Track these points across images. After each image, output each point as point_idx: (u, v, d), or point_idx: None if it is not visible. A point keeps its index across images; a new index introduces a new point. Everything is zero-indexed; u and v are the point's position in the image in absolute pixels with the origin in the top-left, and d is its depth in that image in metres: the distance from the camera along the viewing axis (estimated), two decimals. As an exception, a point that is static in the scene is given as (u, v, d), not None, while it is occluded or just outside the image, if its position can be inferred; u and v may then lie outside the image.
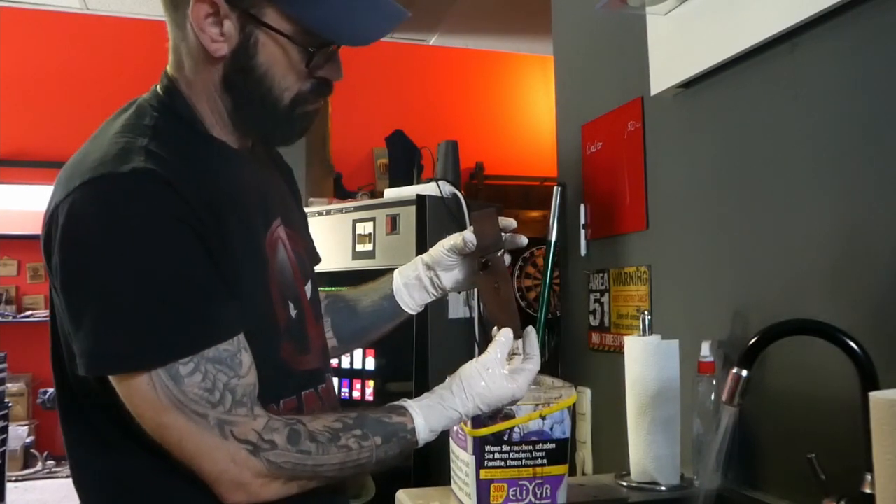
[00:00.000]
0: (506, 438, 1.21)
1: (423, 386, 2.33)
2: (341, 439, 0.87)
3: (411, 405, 0.93)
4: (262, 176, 1.00)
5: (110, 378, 0.82)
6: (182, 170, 0.84)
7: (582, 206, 1.98)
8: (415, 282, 1.16)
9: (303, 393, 0.97)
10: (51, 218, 0.83)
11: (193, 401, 0.80)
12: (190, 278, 0.82)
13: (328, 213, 2.70)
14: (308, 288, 1.03)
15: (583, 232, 1.98)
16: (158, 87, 0.96)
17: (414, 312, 1.18)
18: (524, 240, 1.10)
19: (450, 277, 1.15)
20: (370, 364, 2.51)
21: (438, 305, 2.43)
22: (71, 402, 0.91)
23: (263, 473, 0.83)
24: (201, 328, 0.81)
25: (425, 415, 0.92)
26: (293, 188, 1.13)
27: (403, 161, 3.19)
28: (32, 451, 5.00)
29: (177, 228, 0.81)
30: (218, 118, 0.93)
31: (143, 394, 0.80)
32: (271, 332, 0.92)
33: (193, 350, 0.80)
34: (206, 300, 0.83)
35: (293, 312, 0.96)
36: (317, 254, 1.15)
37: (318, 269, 1.13)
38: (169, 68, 0.95)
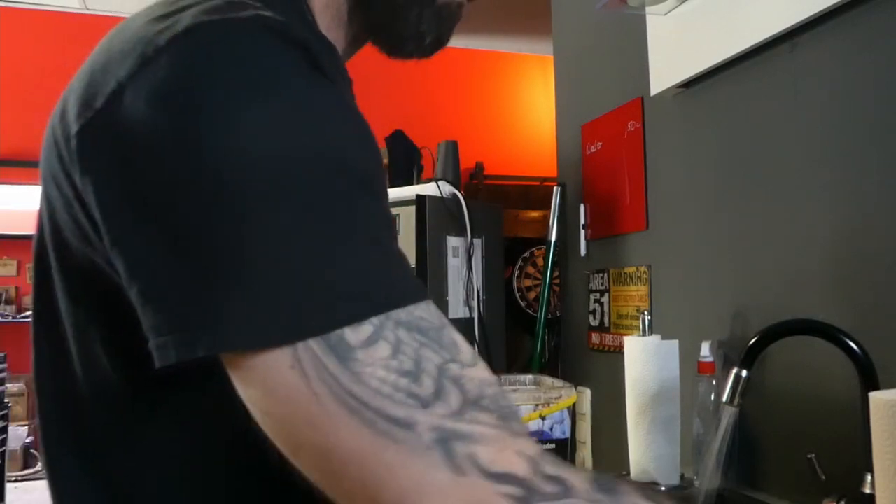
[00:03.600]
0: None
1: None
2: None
3: None
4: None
5: (228, 365, 0.44)
6: (320, 46, 0.51)
7: (582, 206, 1.98)
8: None
9: None
10: (92, 118, 0.47)
11: (381, 394, 0.41)
12: (367, 197, 0.47)
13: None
14: None
15: (583, 232, 1.98)
16: None
17: None
18: None
19: None
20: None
21: (438, 305, 2.43)
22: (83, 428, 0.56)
23: None
24: (388, 277, 0.46)
25: None
26: None
27: (403, 161, 3.19)
28: (32, 451, 5.00)
29: (344, 104, 0.50)
30: (334, 13, 0.63)
31: (282, 390, 0.42)
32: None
33: (375, 309, 0.43)
34: (389, 231, 0.49)
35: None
36: None
37: None
38: None
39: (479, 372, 0.45)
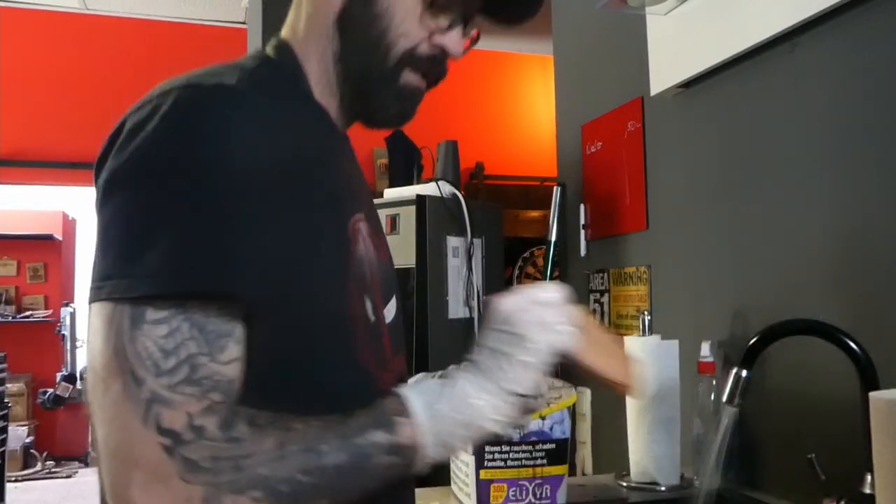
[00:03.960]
0: (505, 438, 1.21)
1: (423, 386, 2.33)
2: (296, 424, 0.63)
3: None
4: (352, 162, 0.87)
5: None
6: (274, 110, 0.72)
7: (582, 206, 1.98)
8: None
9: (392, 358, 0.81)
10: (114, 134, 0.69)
11: (138, 357, 0.60)
12: (239, 223, 0.64)
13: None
14: (391, 305, 0.85)
15: (583, 232, 1.98)
16: (266, 47, 0.84)
17: None
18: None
19: None
20: (370, 364, 2.51)
21: (438, 305, 2.43)
22: None
23: (170, 484, 0.58)
24: (202, 266, 0.62)
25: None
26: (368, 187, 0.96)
27: (403, 161, 3.19)
28: (32, 451, 5.00)
29: (251, 162, 0.66)
30: (325, 81, 0.82)
31: (101, 323, 0.62)
32: (346, 322, 0.74)
33: (175, 285, 0.61)
34: (240, 255, 0.64)
35: (371, 316, 0.77)
36: (394, 272, 0.92)
37: None
38: (283, 31, 0.85)
39: (222, 368, 0.63)
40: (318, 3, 0.81)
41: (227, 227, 0.64)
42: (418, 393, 0.66)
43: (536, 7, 0.84)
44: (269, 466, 0.60)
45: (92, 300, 0.64)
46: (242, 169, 0.65)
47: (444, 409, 0.65)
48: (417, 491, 1.46)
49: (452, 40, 0.81)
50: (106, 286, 0.62)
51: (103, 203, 0.65)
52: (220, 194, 0.64)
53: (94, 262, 0.65)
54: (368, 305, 0.77)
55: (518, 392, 0.67)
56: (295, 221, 0.69)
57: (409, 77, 0.81)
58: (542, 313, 0.70)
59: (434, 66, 0.83)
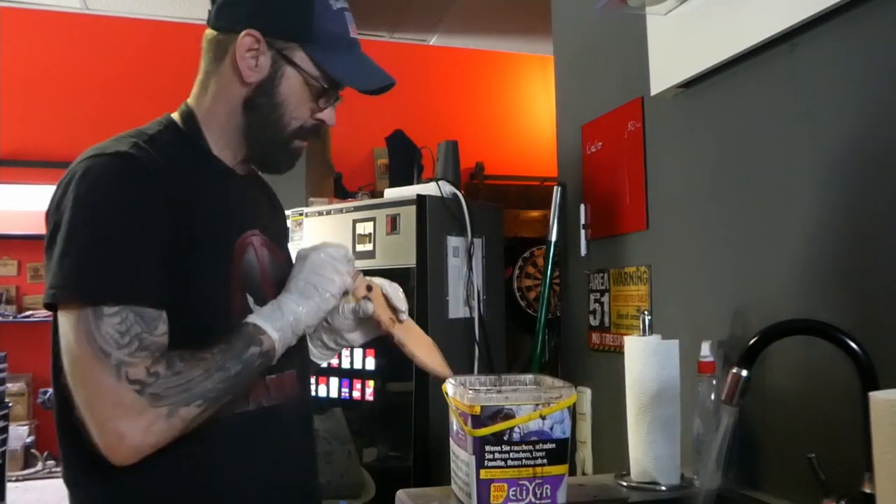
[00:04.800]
0: (506, 438, 1.21)
1: (423, 386, 2.33)
2: (206, 355, 0.99)
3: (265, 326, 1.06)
4: (250, 193, 1.20)
5: (59, 315, 0.96)
6: (161, 164, 1.03)
7: (582, 206, 1.98)
8: (318, 342, 1.30)
9: (266, 378, 1.10)
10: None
11: (104, 339, 0.92)
12: (137, 245, 0.98)
13: (328, 213, 2.71)
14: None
15: (583, 232, 1.98)
16: (174, 113, 1.15)
17: (319, 363, 1.33)
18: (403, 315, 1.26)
19: (353, 336, 1.29)
20: (370, 364, 2.51)
21: (438, 305, 2.43)
22: (65, 418, 1.01)
23: (146, 414, 0.92)
24: (137, 286, 0.96)
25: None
26: (278, 209, 1.32)
27: (403, 161, 3.19)
28: (33, 451, 5.00)
29: (139, 204, 0.99)
30: (224, 142, 1.13)
31: (74, 326, 0.93)
32: (221, 311, 1.06)
33: (122, 299, 0.94)
34: (145, 267, 0.98)
35: (252, 305, 1.10)
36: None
37: None
38: (189, 100, 1.15)
39: (159, 338, 0.97)
40: (225, 89, 1.11)
41: (127, 252, 0.97)
42: (264, 318, 1.05)
43: (387, 88, 1.15)
44: (202, 385, 0.96)
45: (58, 303, 0.95)
46: (130, 210, 0.98)
47: (282, 323, 1.05)
48: (418, 490, 1.47)
49: (328, 115, 1.15)
50: (67, 293, 0.94)
51: (52, 237, 0.98)
52: (119, 230, 0.97)
53: (48, 271, 0.96)
54: (250, 298, 1.09)
55: (320, 305, 1.10)
56: (180, 240, 1.00)
57: (296, 143, 1.15)
58: (336, 264, 1.12)
59: (314, 133, 1.16)
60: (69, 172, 1.01)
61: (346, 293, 1.16)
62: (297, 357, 1.17)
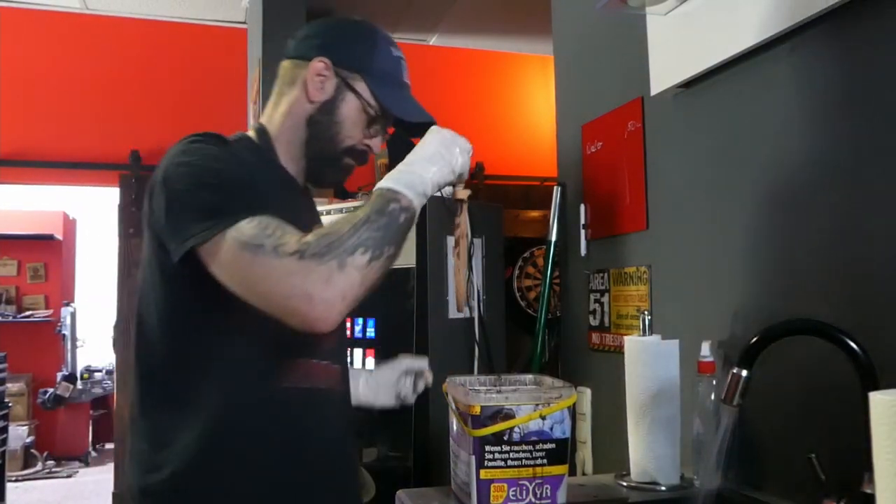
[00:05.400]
0: (506, 438, 1.21)
1: (423, 386, 2.33)
2: (359, 219, 1.07)
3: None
4: (304, 201, 1.39)
5: (202, 255, 1.07)
6: (241, 157, 1.20)
7: (582, 206, 1.98)
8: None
9: (314, 361, 1.23)
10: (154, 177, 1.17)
11: (252, 236, 1.03)
12: (247, 183, 1.13)
13: (328, 213, 2.70)
14: None
15: (583, 232, 1.98)
16: (250, 129, 1.33)
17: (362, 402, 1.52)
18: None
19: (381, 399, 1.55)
20: (370, 364, 2.51)
21: (438, 305, 2.43)
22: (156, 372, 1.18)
23: (318, 269, 1.01)
24: (259, 201, 1.09)
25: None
26: (318, 220, 1.45)
27: (403, 161, 3.18)
28: (32, 451, 5.01)
29: (233, 159, 1.16)
30: (289, 154, 1.31)
31: (224, 251, 1.04)
32: None
33: (254, 211, 1.06)
34: (254, 194, 1.11)
35: None
36: None
37: None
38: (262, 119, 1.34)
39: (292, 230, 1.06)
40: (293, 106, 1.30)
41: (242, 186, 1.13)
42: (394, 181, 1.12)
43: (428, 125, 1.26)
44: (355, 236, 1.04)
45: (205, 241, 1.05)
46: (232, 161, 1.16)
47: (411, 179, 1.13)
48: (418, 490, 1.47)
49: (375, 143, 1.34)
50: (212, 229, 1.05)
51: (170, 203, 1.11)
52: (229, 176, 1.13)
53: (180, 227, 1.08)
54: None
55: (445, 172, 1.19)
56: (271, 205, 1.10)
57: (347, 161, 1.32)
58: (463, 144, 1.22)
59: (362, 157, 1.34)
60: (169, 152, 1.16)
61: (458, 179, 1.26)
62: (341, 358, 1.33)
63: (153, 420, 1.17)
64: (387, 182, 1.12)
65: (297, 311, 1.01)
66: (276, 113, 1.31)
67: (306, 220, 1.28)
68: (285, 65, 1.32)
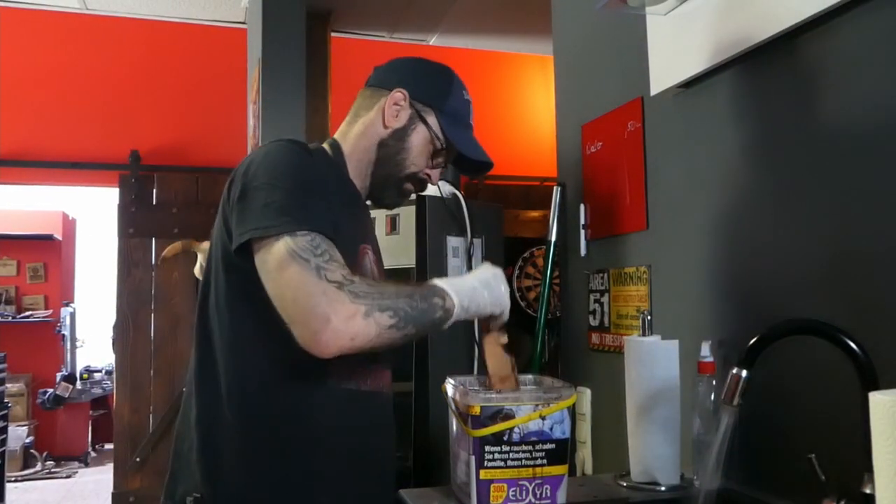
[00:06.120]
0: (506, 438, 1.21)
1: (423, 386, 2.33)
2: (403, 291, 1.17)
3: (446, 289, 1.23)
4: (366, 215, 1.48)
5: (254, 249, 1.16)
6: (315, 173, 1.26)
7: (582, 206, 1.98)
8: None
9: (371, 367, 1.31)
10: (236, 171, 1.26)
11: (304, 249, 1.11)
12: (317, 196, 1.20)
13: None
14: None
15: (583, 232, 1.98)
16: (325, 142, 1.43)
17: None
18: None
19: None
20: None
21: (438, 305, 2.43)
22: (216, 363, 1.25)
23: (347, 305, 1.08)
24: (321, 221, 1.17)
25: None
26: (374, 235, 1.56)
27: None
28: (32, 451, 5.01)
29: (314, 171, 1.24)
30: (358, 171, 1.39)
31: (274, 251, 1.12)
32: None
33: (312, 227, 1.14)
34: (325, 210, 1.19)
35: None
36: None
37: None
38: (336, 135, 1.43)
39: (342, 259, 1.15)
40: (368, 128, 1.39)
41: (312, 199, 1.20)
42: (449, 284, 1.23)
43: (486, 171, 1.45)
44: (393, 299, 1.13)
45: (262, 237, 1.14)
46: (310, 172, 1.24)
47: (463, 290, 1.23)
48: (418, 490, 1.47)
49: (435, 174, 1.43)
50: (273, 229, 1.13)
51: (243, 195, 1.19)
52: (303, 184, 1.20)
53: (245, 218, 1.17)
54: None
55: (492, 302, 1.29)
56: (339, 217, 1.22)
57: (407, 186, 1.42)
58: (507, 290, 1.33)
59: (421, 184, 1.43)
60: (252, 153, 1.27)
61: (500, 317, 1.35)
62: (390, 365, 1.40)
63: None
64: (443, 283, 1.22)
65: (310, 325, 1.07)
66: (351, 132, 1.41)
67: (366, 234, 1.42)
68: (365, 91, 1.43)
